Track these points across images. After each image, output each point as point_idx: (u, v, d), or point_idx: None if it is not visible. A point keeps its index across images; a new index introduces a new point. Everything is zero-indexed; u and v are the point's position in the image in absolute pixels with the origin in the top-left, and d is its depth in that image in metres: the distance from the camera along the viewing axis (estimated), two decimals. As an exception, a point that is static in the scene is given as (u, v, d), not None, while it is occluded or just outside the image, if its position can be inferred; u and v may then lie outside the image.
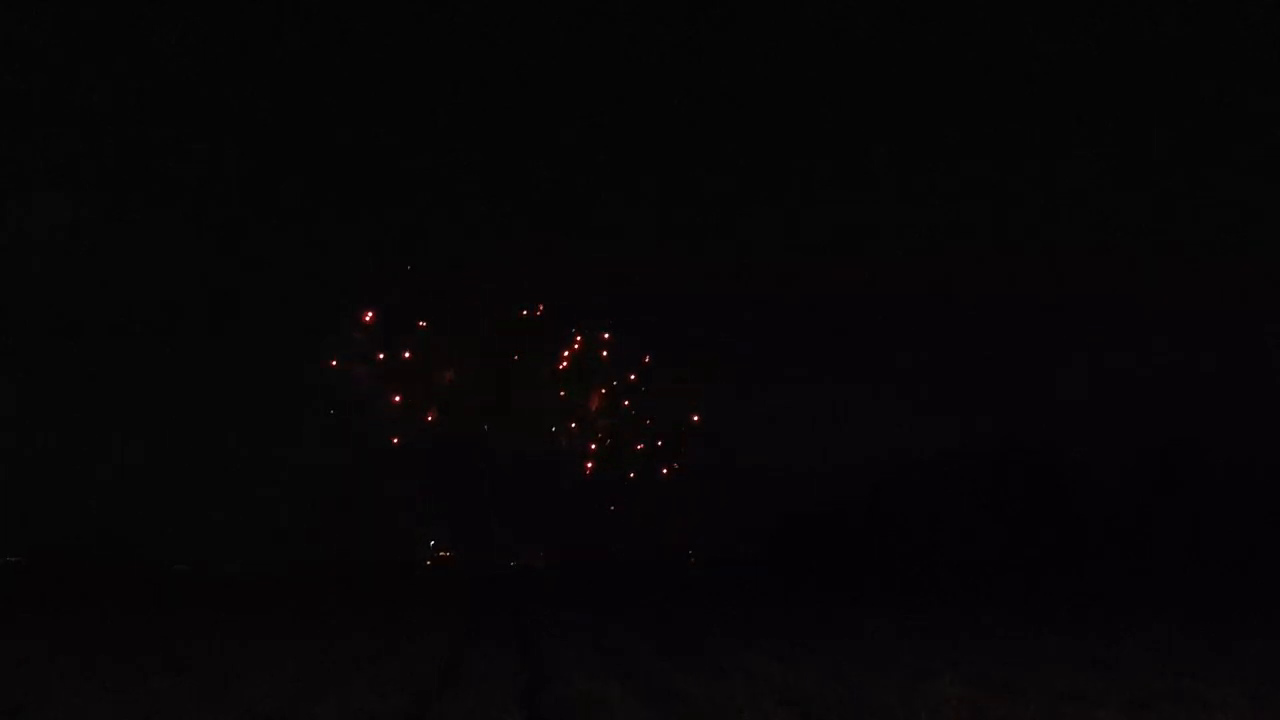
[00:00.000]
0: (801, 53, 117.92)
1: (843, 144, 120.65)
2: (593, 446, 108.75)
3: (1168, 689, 19.90)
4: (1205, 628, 34.63)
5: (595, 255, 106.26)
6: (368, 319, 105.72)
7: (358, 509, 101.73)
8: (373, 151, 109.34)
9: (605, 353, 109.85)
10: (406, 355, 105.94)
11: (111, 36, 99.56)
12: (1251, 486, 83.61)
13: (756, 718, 17.35)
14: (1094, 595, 57.90)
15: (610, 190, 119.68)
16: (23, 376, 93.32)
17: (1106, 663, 24.71)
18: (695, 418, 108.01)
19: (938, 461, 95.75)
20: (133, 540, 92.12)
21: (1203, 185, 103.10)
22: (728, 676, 22.13)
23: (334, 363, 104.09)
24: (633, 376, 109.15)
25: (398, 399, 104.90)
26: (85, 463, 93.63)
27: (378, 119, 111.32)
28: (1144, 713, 17.99)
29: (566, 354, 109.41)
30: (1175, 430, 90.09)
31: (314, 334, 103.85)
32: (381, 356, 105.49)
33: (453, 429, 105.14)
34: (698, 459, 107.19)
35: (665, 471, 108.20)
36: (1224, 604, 47.68)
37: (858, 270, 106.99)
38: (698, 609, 48.83)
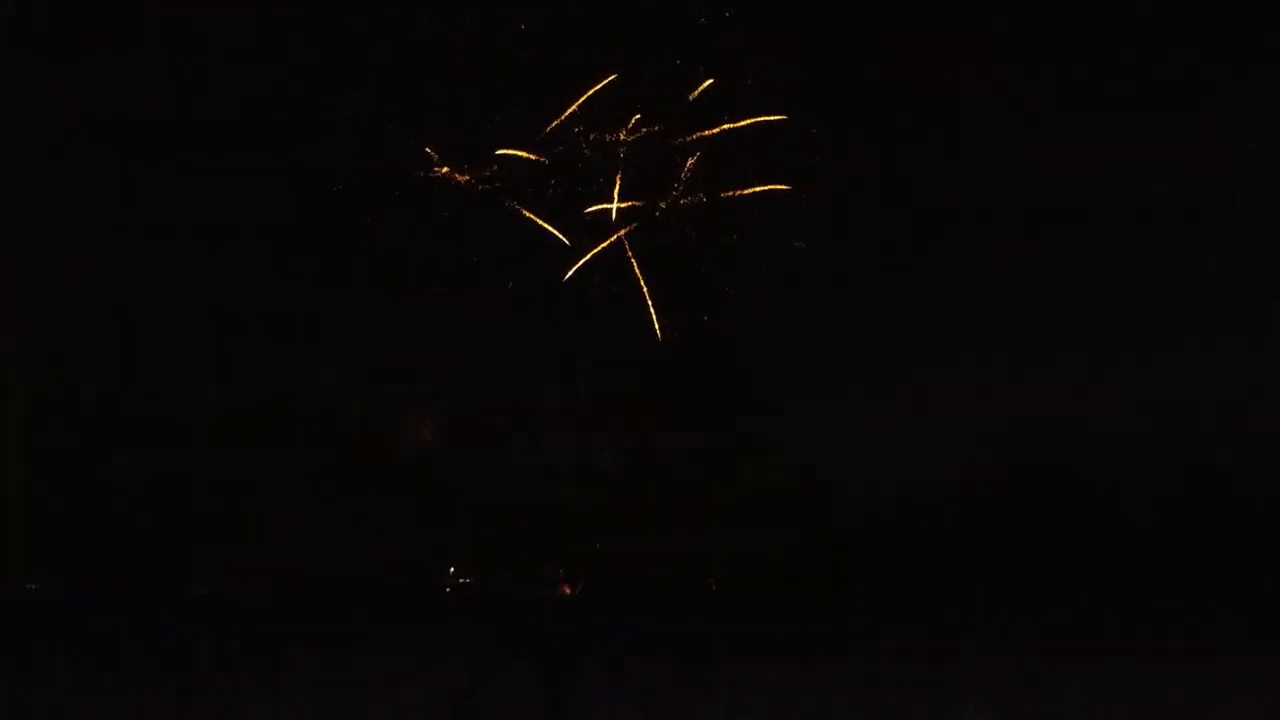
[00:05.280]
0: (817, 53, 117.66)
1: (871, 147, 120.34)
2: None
3: (1200, 717, 19.47)
4: (1239, 654, 34.07)
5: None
6: None
7: (375, 533, 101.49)
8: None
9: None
10: None
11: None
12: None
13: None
14: (1125, 621, 57.19)
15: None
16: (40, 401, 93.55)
17: (1137, 691, 24.24)
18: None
19: (961, 482, 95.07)
20: (151, 564, 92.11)
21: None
22: (750, 704, 21.79)
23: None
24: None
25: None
26: (103, 487, 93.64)
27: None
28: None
29: None
30: (1200, 451, 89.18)
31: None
32: None
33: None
34: (718, 477, 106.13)
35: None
36: (1258, 629, 46.98)
37: (878, 283, 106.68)
38: (719, 634, 48.44)
